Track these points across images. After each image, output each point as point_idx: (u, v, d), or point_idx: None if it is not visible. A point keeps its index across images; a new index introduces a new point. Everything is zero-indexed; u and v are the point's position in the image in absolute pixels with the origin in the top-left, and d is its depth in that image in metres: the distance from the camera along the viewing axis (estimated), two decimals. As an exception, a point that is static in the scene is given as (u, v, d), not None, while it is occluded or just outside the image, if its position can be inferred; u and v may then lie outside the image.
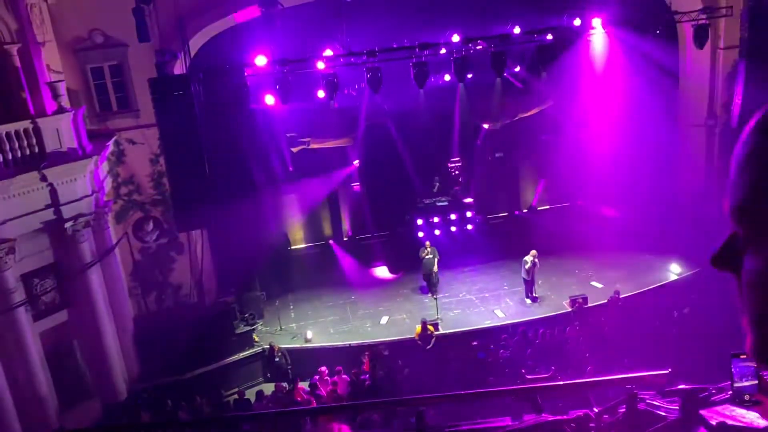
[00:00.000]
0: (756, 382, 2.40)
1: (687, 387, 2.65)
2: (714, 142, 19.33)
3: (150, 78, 14.47)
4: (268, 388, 15.21)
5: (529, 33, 17.11)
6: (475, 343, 15.17)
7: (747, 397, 2.43)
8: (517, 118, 20.98)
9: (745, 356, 2.44)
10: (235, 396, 15.13)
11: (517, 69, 20.10)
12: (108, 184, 15.85)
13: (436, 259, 18.25)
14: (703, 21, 16.67)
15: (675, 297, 16.62)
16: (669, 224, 19.78)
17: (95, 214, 14.63)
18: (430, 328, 16.00)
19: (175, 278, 17.18)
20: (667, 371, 2.82)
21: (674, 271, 18.31)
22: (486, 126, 21.52)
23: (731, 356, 2.51)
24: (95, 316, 14.58)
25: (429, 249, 18.33)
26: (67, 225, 13.81)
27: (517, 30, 17.11)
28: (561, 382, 2.69)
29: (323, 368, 14.95)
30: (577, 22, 17.51)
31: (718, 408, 2.61)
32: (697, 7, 17.34)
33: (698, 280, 17.67)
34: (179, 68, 15.98)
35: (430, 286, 18.40)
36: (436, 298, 17.61)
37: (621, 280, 18.22)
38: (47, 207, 13.50)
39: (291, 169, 20.06)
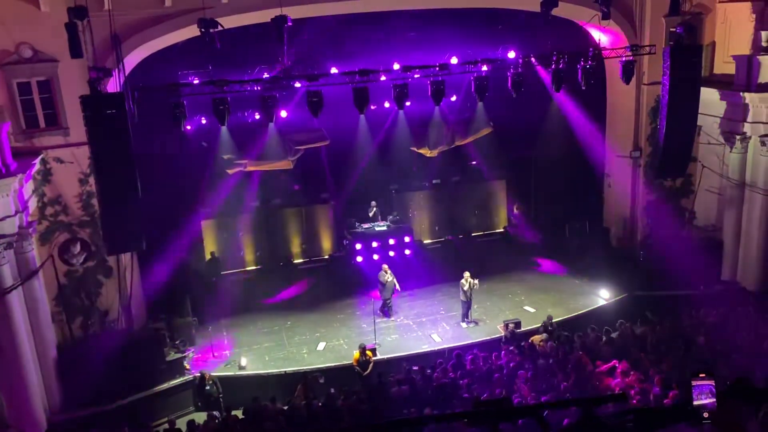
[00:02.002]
0: (714, 400, 2.50)
1: (642, 407, 2.72)
2: (638, 172, 20.26)
3: (82, 95, 13.95)
4: (200, 417, 14.71)
5: (465, 64, 17.55)
6: (416, 368, 15.16)
7: (705, 415, 2.53)
8: (453, 145, 21.41)
9: (703, 375, 2.54)
10: (165, 426, 14.56)
11: (454, 98, 20.58)
12: (33, 204, 15.09)
13: (395, 280, 18.39)
14: (629, 58, 17.54)
15: (604, 321, 17.14)
16: (597, 250, 20.58)
17: (18, 235, 13.87)
18: (368, 353, 15.91)
19: (103, 303, 16.44)
20: (622, 393, 2.89)
21: (603, 296, 18.94)
22: (423, 152, 21.87)
23: (689, 375, 2.60)
24: (14, 343, 13.73)
25: (389, 272, 18.35)
26: (-13, 246, 13.05)
27: (454, 60, 17.54)
28: (516, 406, 2.72)
29: None
30: (512, 54, 18.11)
31: (673, 428, 2.69)
32: (623, 44, 18.27)
33: (625, 305, 18.42)
34: (113, 86, 15.50)
35: (389, 309, 18.47)
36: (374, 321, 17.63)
37: (553, 305, 18.74)
38: (-35, 227, 12.75)
39: (227, 191, 19.74)
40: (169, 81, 15.86)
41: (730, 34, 18.68)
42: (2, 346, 13.65)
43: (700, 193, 20.09)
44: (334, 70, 16.51)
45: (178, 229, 19.18)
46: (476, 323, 17.98)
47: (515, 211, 23.86)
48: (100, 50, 15.16)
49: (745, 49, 17.71)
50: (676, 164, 18.12)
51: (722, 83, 18.46)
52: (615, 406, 2.93)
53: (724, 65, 18.77)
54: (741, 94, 17.55)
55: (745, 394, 2.53)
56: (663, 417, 2.70)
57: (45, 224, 15.60)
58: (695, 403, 2.54)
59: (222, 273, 20.77)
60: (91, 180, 15.64)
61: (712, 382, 2.55)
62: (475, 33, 19.16)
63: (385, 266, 18.56)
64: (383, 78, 16.93)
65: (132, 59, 16.25)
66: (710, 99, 18.20)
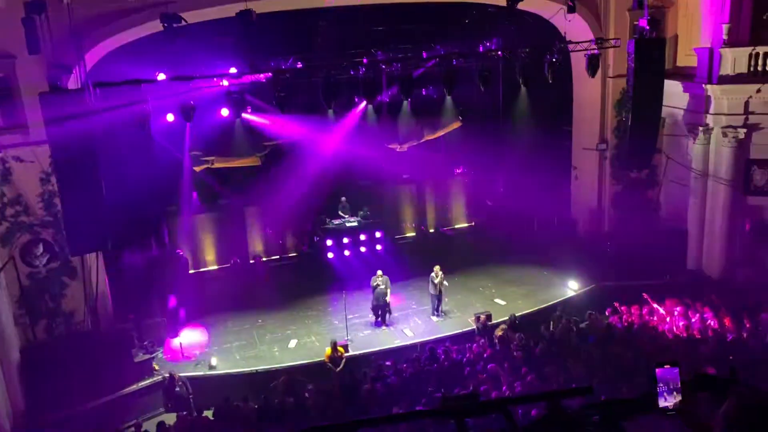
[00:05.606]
0: (679, 394, 2.49)
1: (607, 399, 2.70)
2: (605, 164, 20.51)
3: (41, 92, 13.58)
4: (171, 419, 14.49)
5: (435, 57, 17.53)
6: (388, 363, 15.13)
7: (670, 405, 2.53)
8: (423, 140, 21.40)
9: (669, 365, 2.53)
10: (132, 429, 14.31)
11: (425, 92, 20.59)
12: (-9, 205, 14.69)
13: (388, 289, 17.64)
14: (594, 51, 17.71)
15: (573, 312, 17.34)
16: (565, 242, 20.79)
17: (-24, 237, 13.50)
18: (340, 349, 15.84)
19: (68, 305, 16.06)
20: (589, 386, 2.87)
21: (572, 287, 19.13)
22: (393, 147, 21.84)
23: (655, 365, 2.59)
24: (-25, 348, 13.39)
25: (381, 278, 17.60)
26: (-56, 249, 12.65)
27: (424, 54, 17.52)
28: (484, 400, 2.69)
29: None
30: (480, 48, 18.15)
31: (640, 420, 2.68)
32: (588, 37, 18.44)
33: (593, 296, 18.64)
34: (74, 83, 15.12)
35: (383, 318, 17.74)
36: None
37: (522, 297, 18.89)
38: None
39: (193, 190, 19.48)
40: (133, 77, 15.52)
41: (692, 27, 18.98)
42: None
43: (666, 184, 20.41)
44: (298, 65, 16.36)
45: (145, 228, 18.85)
46: (446, 316, 18.01)
47: (487, 203, 23.98)
48: (60, 46, 14.74)
49: (707, 42, 18.00)
50: (641, 156, 18.36)
51: (685, 75, 18.76)
52: (581, 399, 2.92)
53: (687, 58, 19.07)
54: (703, 86, 17.85)
55: (708, 385, 2.52)
56: (630, 409, 2.70)
57: (5, 225, 15.17)
58: (659, 396, 2.53)
59: (191, 272, 20.51)
60: (53, 179, 15.24)
61: (677, 372, 2.54)
62: (443, 28, 19.17)
63: (379, 271, 17.73)
64: (351, 72, 16.87)
65: (94, 54, 15.87)
66: (674, 91, 18.49)
